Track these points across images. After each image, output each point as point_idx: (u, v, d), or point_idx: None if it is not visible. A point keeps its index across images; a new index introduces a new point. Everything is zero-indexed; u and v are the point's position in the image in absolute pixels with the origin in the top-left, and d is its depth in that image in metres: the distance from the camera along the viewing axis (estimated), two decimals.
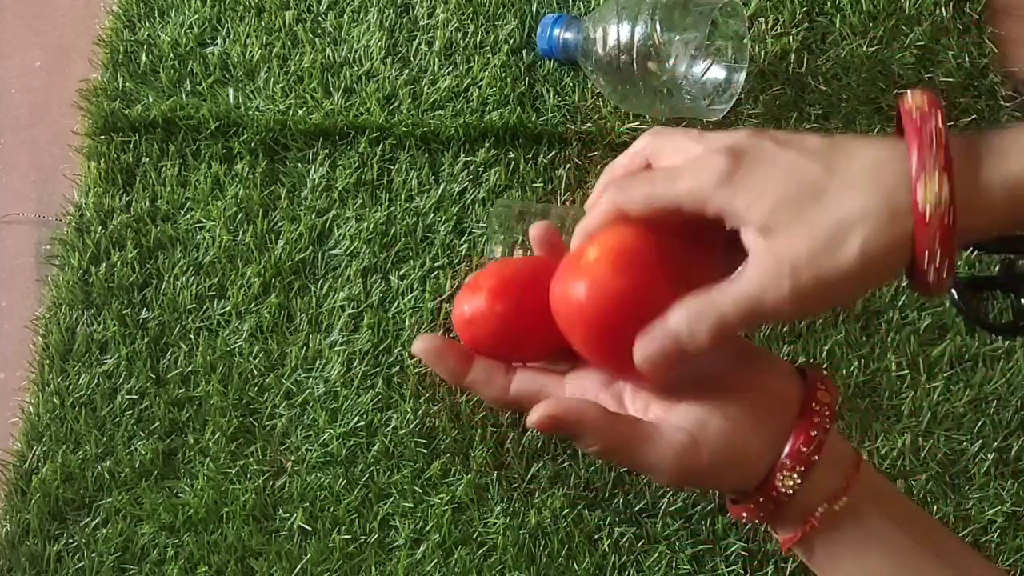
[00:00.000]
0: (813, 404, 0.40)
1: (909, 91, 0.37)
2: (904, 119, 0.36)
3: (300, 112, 0.73)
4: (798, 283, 0.34)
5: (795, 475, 0.40)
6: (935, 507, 0.62)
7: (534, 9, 0.75)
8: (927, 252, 0.35)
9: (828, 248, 0.34)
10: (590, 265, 0.38)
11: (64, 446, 0.66)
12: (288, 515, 0.64)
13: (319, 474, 0.65)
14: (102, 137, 0.73)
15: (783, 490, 0.40)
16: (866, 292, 0.36)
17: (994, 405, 0.65)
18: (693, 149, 0.39)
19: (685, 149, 0.39)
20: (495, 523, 0.63)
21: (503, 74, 0.73)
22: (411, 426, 0.65)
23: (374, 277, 0.69)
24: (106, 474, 0.65)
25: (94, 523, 0.64)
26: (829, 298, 0.35)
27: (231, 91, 0.74)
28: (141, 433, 0.66)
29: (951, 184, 0.34)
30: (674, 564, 0.62)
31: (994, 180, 0.34)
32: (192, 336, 0.68)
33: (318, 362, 0.67)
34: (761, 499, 0.41)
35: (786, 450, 0.40)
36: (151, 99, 0.73)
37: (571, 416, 0.39)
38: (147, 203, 0.72)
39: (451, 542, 0.63)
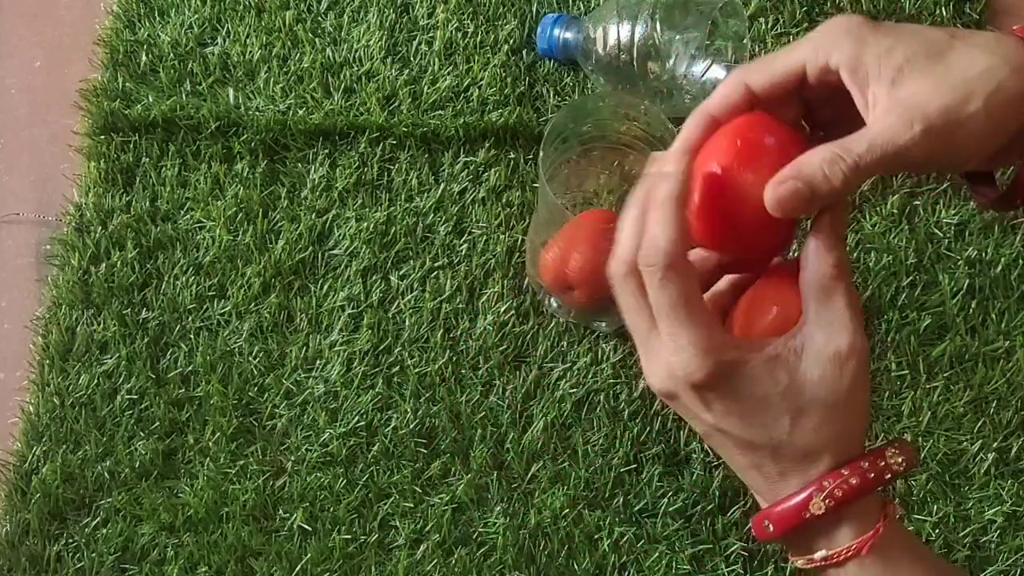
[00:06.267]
0: (888, 451, 0.40)
1: None
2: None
3: (300, 112, 0.73)
4: (929, 127, 0.36)
5: (902, 457, 0.40)
6: (935, 507, 0.62)
7: (534, 9, 0.75)
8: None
9: (956, 98, 0.37)
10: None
11: (64, 446, 0.66)
12: (288, 515, 0.64)
13: (319, 474, 0.65)
14: (102, 137, 0.73)
15: (892, 463, 0.39)
16: (989, 146, 0.39)
17: (994, 405, 0.65)
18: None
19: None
20: (495, 523, 0.63)
21: (503, 74, 0.73)
22: (411, 426, 0.65)
23: (374, 277, 0.69)
24: (106, 474, 0.65)
25: (94, 523, 0.64)
26: (957, 145, 0.38)
27: (231, 91, 0.74)
28: (141, 433, 0.66)
29: None
30: (674, 564, 0.62)
31: None
32: (192, 336, 0.68)
33: (318, 362, 0.67)
34: (868, 466, 0.40)
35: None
36: (151, 99, 0.73)
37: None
38: (147, 203, 0.72)
39: (451, 542, 0.63)
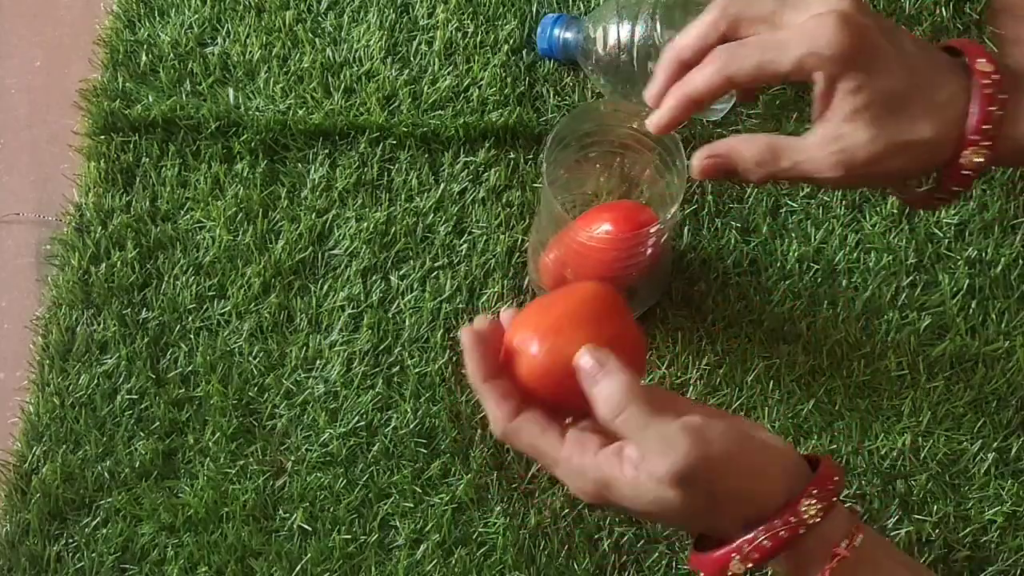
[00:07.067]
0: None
1: (978, 55, 0.43)
2: (978, 83, 0.42)
3: (300, 112, 0.73)
4: (850, 175, 0.43)
5: (819, 505, 0.40)
6: (935, 507, 0.62)
7: (534, 9, 0.75)
8: (950, 191, 0.44)
9: (883, 155, 0.42)
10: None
11: (64, 446, 0.66)
12: (288, 515, 0.64)
13: (319, 474, 0.65)
14: (102, 137, 0.73)
15: (805, 517, 0.40)
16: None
17: (994, 405, 0.65)
18: (779, 15, 0.43)
19: (768, 16, 0.43)
20: (495, 523, 0.63)
21: (503, 74, 0.73)
22: (411, 426, 0.65)
23: (374, 277, 0.69)
24: (106, 474, 0.65)
25: (94, 523, 0.64)
26: (866, 184, 0.46)
27: (231, 91, 0.74)
28: (141, 433, 0.66)
29: (992, 156, 0.43)
30: (674, 564, 0.62)
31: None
32: (192, 336, 0.68)
33: (318, 362, 0.67)
34: (779, 524, 0.40)
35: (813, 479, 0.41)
36: (151, 99, 0.73)
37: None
38: (147, 203, 0.72)
39: (451, 542, 0.63)
